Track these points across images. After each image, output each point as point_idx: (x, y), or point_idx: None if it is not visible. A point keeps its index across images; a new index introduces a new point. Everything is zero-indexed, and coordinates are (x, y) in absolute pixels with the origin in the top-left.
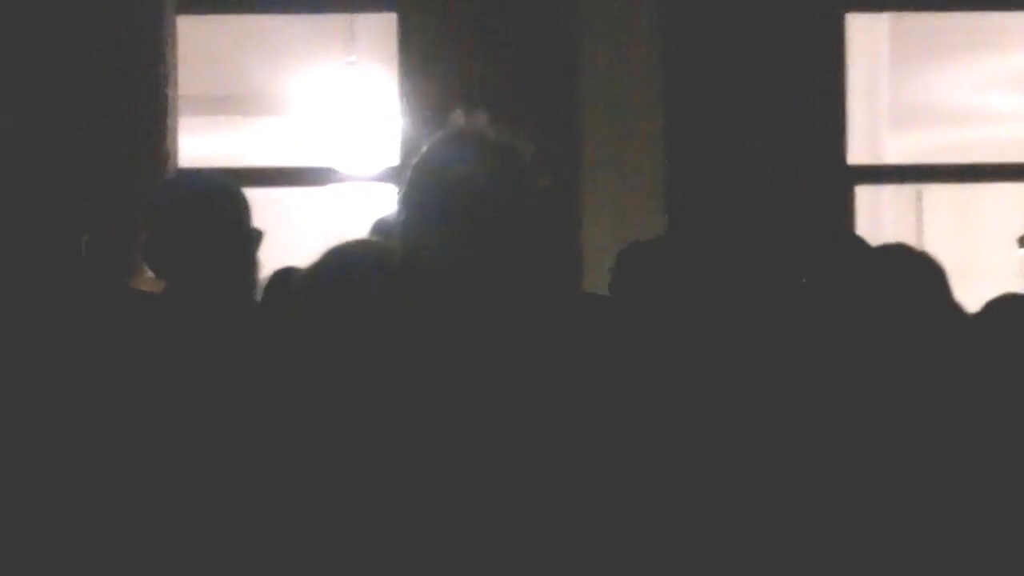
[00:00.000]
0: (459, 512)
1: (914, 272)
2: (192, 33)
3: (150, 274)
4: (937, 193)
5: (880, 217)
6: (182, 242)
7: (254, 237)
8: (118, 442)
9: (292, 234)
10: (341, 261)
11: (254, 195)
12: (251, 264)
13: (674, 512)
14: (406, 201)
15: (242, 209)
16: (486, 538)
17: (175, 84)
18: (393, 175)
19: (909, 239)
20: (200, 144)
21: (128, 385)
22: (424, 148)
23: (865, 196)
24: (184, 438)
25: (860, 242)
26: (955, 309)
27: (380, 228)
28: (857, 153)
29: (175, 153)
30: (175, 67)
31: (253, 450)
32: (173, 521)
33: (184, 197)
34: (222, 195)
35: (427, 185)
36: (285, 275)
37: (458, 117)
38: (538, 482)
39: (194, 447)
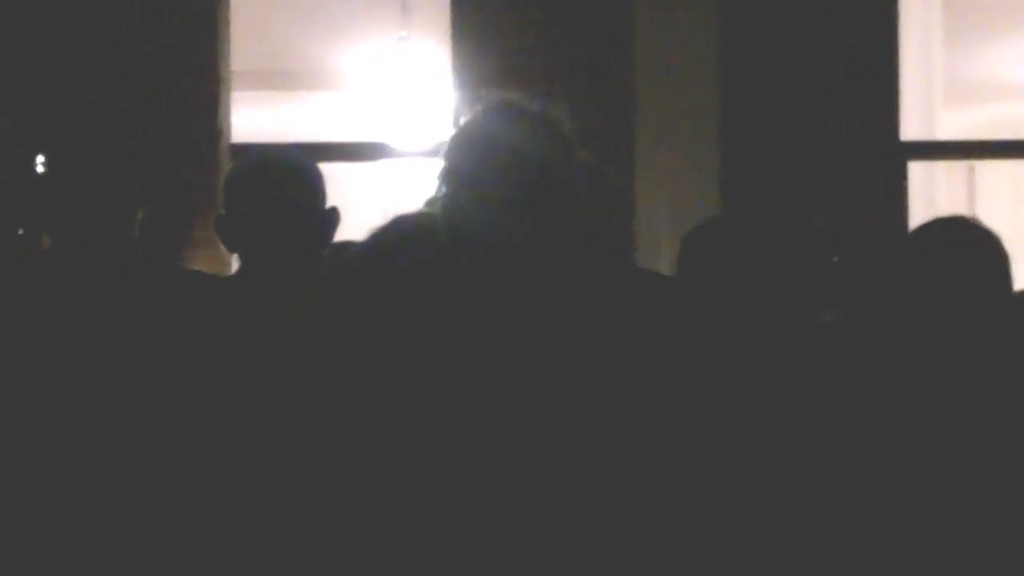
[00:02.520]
0: (500, 484)
1: (973, 249)
2: (246, 8)
3: (213, 248)
4: (990, 169)
5: (934, 193)
6: (251, 219)
7: (326, 216)
8: (152, 423)
9: (345, 209)
10: (397, 234)
11: None
12: (319, 242)
13: (731, 490)
14: (446, 172)
15: (313, 187)
16: (534, 515)
17: (228, 59)
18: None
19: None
20: (253, 119)
21: (166, 363)
22: (463, 120)
23: (918, 172)
24: (222, 418)
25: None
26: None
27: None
28: (910, 129)
29: (229, 128)
30: (228, 42)
31: (308, 418)
32: (225, 487)
33: (256, 173)
34: (295, 173)
35: (466, 154)
36: (341, 249)
37: (495, 93)
38: (576, 462)
39: (237, 423)
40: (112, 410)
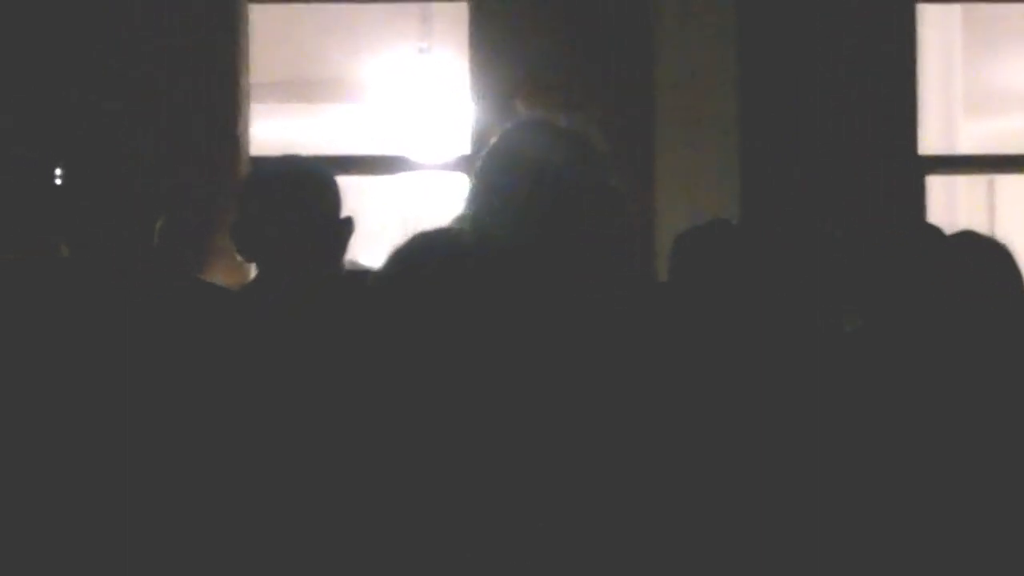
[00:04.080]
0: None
1: (984, 259)
2: (266, 20)
3: (232, 258)
4: (1010, 183)
5: (954, 207)
6: (266, 226)
7: (342, 225)
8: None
9: (364, 222)
10: (421, 251)
11: None
12: (336, 252)
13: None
14: (477, 187)
15: (328, 196)
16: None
17: (248, 71)
18: (465, 163)
19: (980, 229)
20: (273, 130)
21: (163, 365)
22: (495, 136)
23: (938, 185)
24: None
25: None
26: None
27: (461, 220)
28: (931, 142)
29: (248, 139)
30: (248, 54)
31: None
32: (239, 500)
33: (272, 181)
34: (310, 181)
35: (499, 170)
36: (360, 273)
37: (526, 109)
38: (581, 465)
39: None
40: (108, 411)
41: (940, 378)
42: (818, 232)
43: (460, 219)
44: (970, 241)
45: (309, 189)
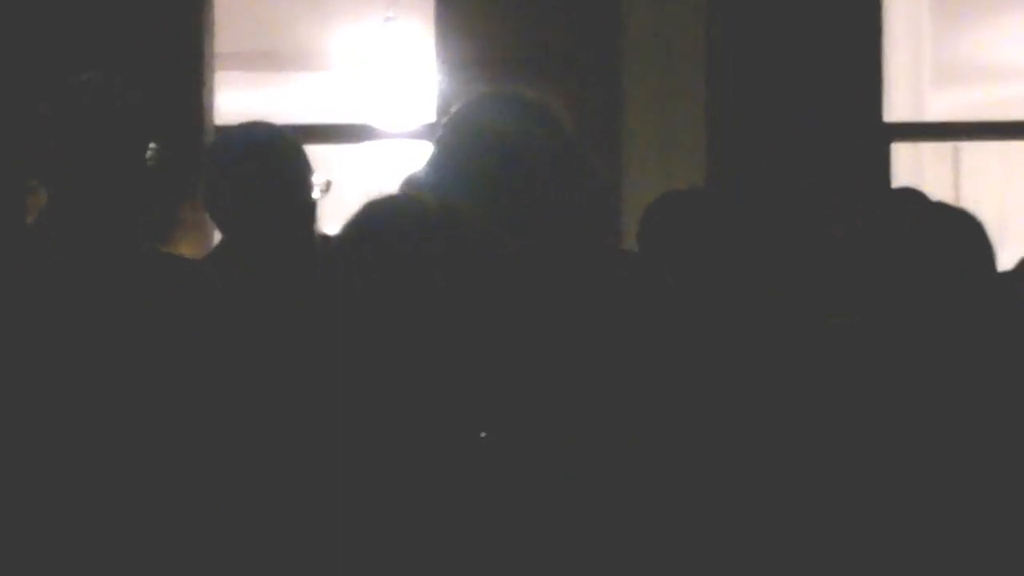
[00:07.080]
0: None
1: (956, 233)
2: None
3: (197, 229)
4: (976, 151)
5: (920, 175)
6: (244, 192)
7: (315, 187)
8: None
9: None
10: (381, 215)
11: None
12: (306, 218)
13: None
14: (438, 155)
15: (297, 161)
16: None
17: (212, 40)
18: (431, 132)
19: (946, 197)
20: (238, 100)
21: (152, 349)
22: (457, 106)
23: (905, 153)
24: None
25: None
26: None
27: (411, 184)
28: (899, 110)
29: (212, 109)
30: (213, 23)
31: (301, 409)
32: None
33: (247, 147)
34: (283, 145)
35: (459, 138)
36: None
37: (488, 82)
38: (581, 458)
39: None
40: (73, 390)
41: (924, 365)
42: (800, 218)
43: (409, 182)
44: (945, 215)
45: (279, 152)
